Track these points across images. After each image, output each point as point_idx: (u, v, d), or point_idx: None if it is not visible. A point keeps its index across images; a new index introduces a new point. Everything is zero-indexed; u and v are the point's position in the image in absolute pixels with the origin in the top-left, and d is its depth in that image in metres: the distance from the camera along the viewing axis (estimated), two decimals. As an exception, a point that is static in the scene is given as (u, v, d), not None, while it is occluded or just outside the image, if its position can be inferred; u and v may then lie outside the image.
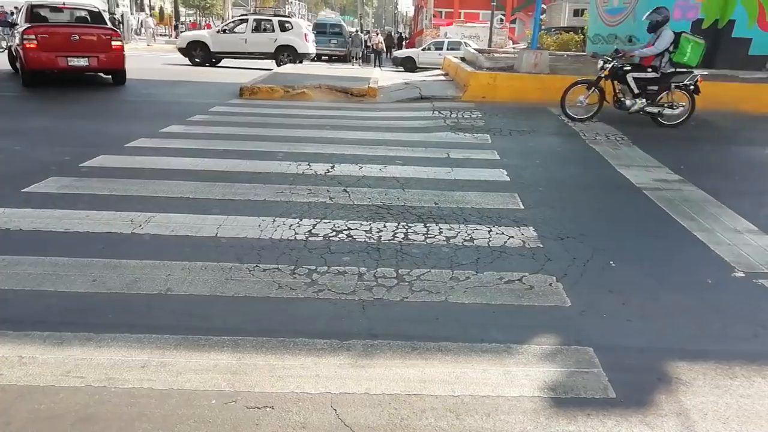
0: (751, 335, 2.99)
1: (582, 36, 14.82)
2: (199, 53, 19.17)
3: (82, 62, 10.49)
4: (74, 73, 10.85)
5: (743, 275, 3.67)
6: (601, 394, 2.43)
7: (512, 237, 4.09)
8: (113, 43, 10.81)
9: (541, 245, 3.98)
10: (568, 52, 18.29)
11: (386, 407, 2.29)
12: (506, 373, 2.54)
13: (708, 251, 4.05)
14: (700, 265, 3.83)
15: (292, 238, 3.91)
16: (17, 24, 11.98)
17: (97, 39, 10.62)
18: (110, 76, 11.57)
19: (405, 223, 4.25)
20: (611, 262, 3.77)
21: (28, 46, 9.98)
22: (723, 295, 3.44)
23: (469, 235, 4.09)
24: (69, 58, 10.34)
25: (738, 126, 9.10)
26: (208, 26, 42.24)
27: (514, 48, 22.30)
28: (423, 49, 25.53)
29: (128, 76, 11.72)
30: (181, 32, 37.30)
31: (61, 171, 5.18)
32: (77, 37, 10.37)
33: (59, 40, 10.25)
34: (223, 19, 47.19)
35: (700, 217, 4.68)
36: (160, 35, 37.23)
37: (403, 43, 38.14)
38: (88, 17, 11.37)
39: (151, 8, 44.25)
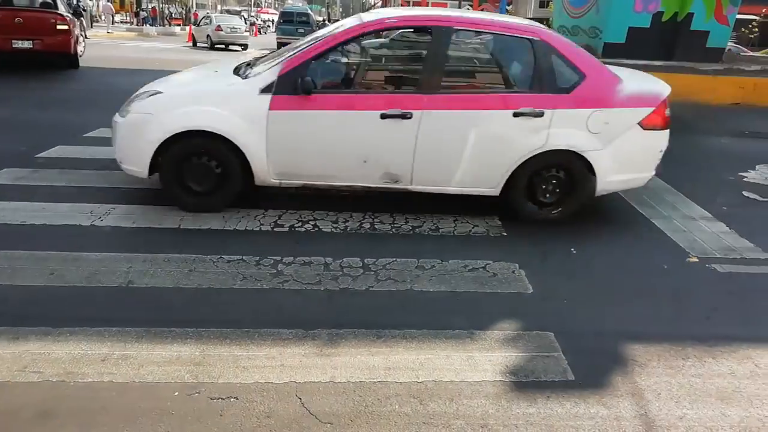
0: (703, 318, 3.11)
1: (548, 27, 15.06)
2: None
3: (26, 44, 10.46)
4: (20, 55, 10.65)
5: (697, 260, 3.81)
6: (560, 377, 2.50)
7: (477, 226, 4.14)
8: (59, 26, 10.78)
9: (505, 233, 4.05)
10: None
11: (351, 395, 2.30)
12: (469, 358, 2.59)
13: (665, 238, 4.18)
14: (657, 252, 3.95)
15: (257, 229, 3.88)
16: None
17: (42, 22, 10.60)
18: (61, 61, 11.33)
19: (371, 213, 4.26)
20: (572, 250, 3.86)
21: None
22: (678, 279, 3.56)
23: (434, 224, 4.13)
24: (13, 40, 10.31)
25: (695, 116, 9.35)
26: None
27: (481, 38, 22.39)
28: (391, 39, 25.47)
29: (88, 64, 11.37)
30: (143, 18, 36.35)
31: (17, 162, 5.00)
32: (21, 20, 10.35)
33: (3, 23, 10.19)
34: (186, 7, 45.84)
35: (659, 206, 4.82)
36: (121, 22, 36.06)
37: None
38: (36, 1, 11.12)
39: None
